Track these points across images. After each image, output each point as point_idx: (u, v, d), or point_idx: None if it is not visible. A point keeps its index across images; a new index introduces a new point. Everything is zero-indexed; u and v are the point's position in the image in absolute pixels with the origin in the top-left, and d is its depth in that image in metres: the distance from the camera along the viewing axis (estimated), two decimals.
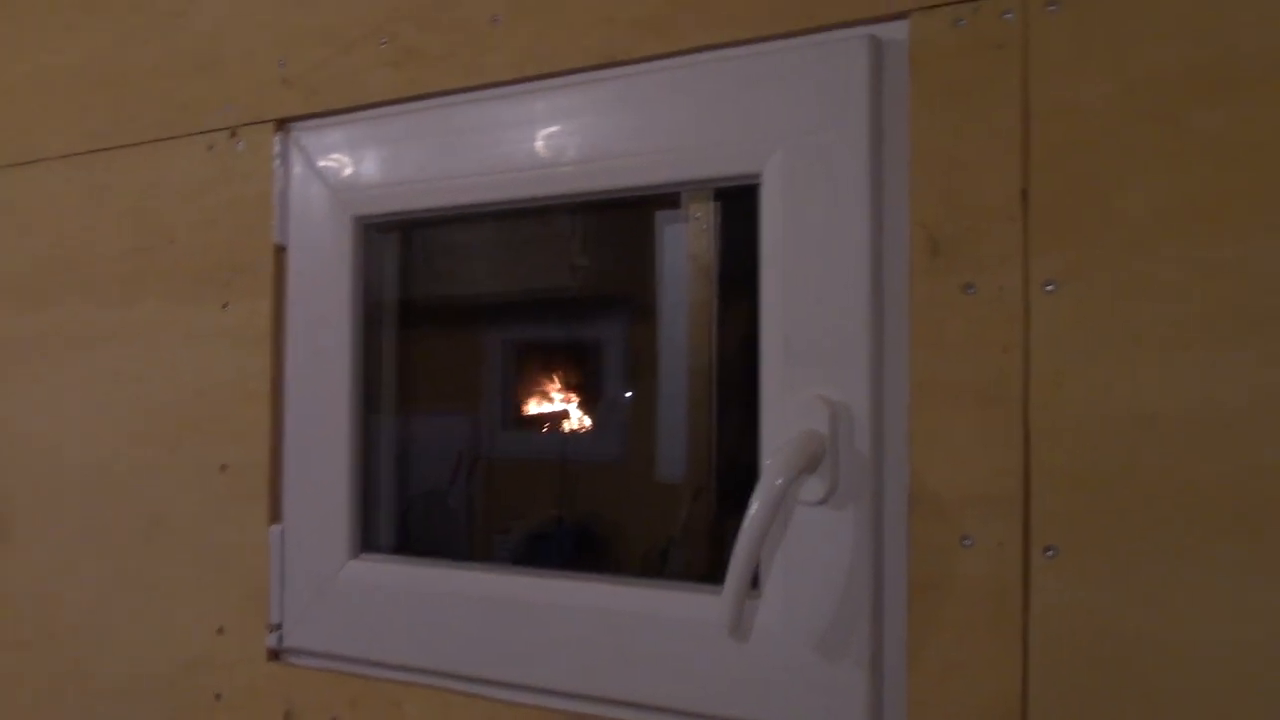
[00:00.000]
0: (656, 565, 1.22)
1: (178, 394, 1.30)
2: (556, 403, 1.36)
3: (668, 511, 1.18)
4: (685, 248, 1.11)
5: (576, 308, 1.32)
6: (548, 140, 1.06)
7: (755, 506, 0.85)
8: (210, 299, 1.28)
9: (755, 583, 0.93)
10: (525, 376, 1.37)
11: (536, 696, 1.06)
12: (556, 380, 1.36)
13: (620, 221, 1.24)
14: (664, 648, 0.98)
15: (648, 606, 0.99)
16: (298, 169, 1.22)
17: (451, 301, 1.39)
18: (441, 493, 1.38)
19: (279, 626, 1.21)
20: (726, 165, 0.96)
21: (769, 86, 0.94)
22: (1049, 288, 0.82)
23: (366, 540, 1.19)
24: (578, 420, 1.35)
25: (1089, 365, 0.81)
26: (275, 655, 1.23)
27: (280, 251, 1.23)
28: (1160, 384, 0.78)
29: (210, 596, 1.26)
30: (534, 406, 1.37)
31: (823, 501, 0.90)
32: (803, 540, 0.91)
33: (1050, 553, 0.82)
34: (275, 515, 1.23)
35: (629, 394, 1.26)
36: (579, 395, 1.34)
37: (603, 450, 1.31)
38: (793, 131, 0.92)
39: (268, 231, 1.23)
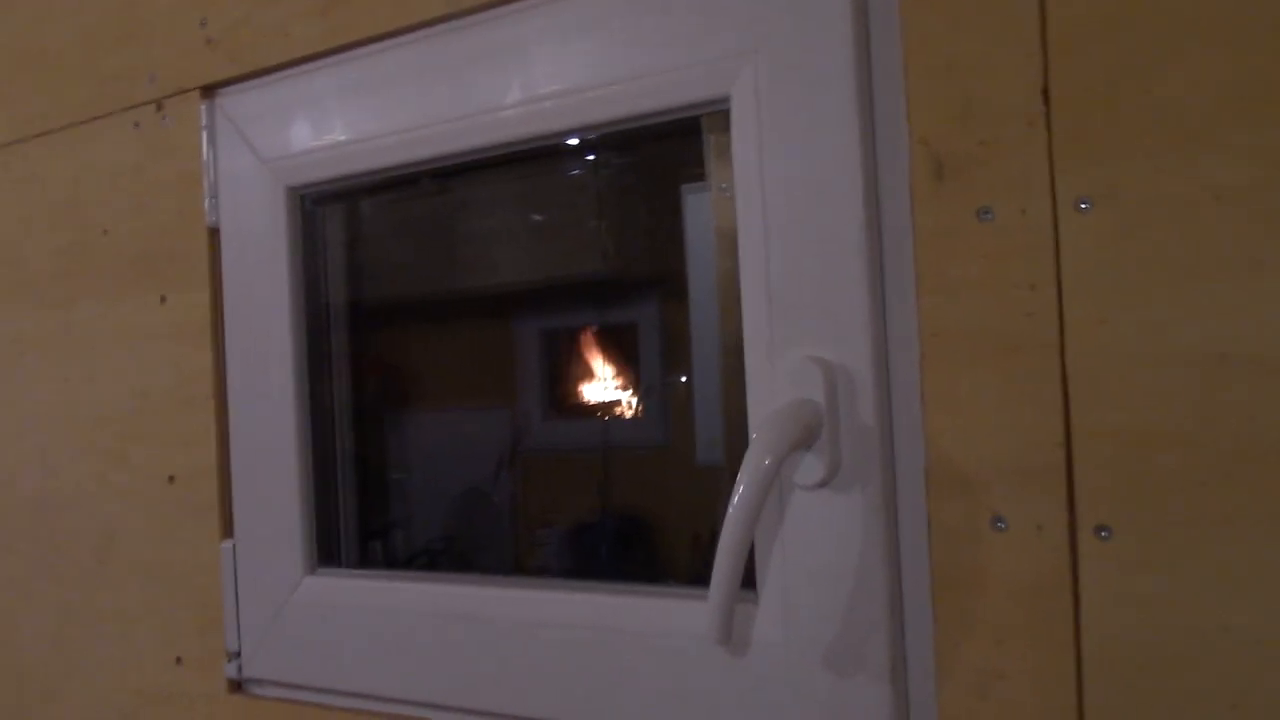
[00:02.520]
0: (705, 552, 1.09)
1: (121, 400, 1.17)
2: (595, 391, 1.23)
3: (712, 497, 1.04)
4: (711, 220, 0.97)
5: (608, 292, 1.20)
6: (489, 81, 0.91)
7: (740, 492, 0.69)
8: (147, 293, 1.15)
9: (751, 584, 0.78)
10: (559, 366, 1.25)
11: None
12: (592, 368, 1.23)
13: (646, 198, 1.13)
14: (655, 665, 0.83)
15: (635, 618, 0.85)
16: (226, 140, 1.08)
17: (474, 293, 1.29)
18: (484, 490, 1.26)
19: (238, 654, 1.08)
20: (688, 91, 0.81)
21: None
22: (1083, 206, 0.66)
23: (326, 552, 1.05)
24: (618, 407, 1.22)
25: (1138, 298, 0.65)
26: (237, 686, 1.09)
27: (214, 234, 1.10)
28: (1233, 315, 0.62)
29: (166, 622, 1.13)
30: (571, 396, 1.25)
31: (823, 484, 0.74)
32: (802, 531, 0.76)
33: (1103, 534, 0.66)
34: (228, 530, 1.09)
35: (681, 377, 1.14)
36: (617, 381, 1.22)
37: (645, 437, 1.19)
38: (762, 43, 0.77)
39: (200, 213, 1.10)
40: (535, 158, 1.06)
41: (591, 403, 1.23)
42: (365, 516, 1.15)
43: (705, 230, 0.98)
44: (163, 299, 1.13)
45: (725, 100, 0.79)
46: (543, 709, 0.89)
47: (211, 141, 1.09)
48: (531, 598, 0.91)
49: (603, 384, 1.23)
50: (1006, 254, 0.68)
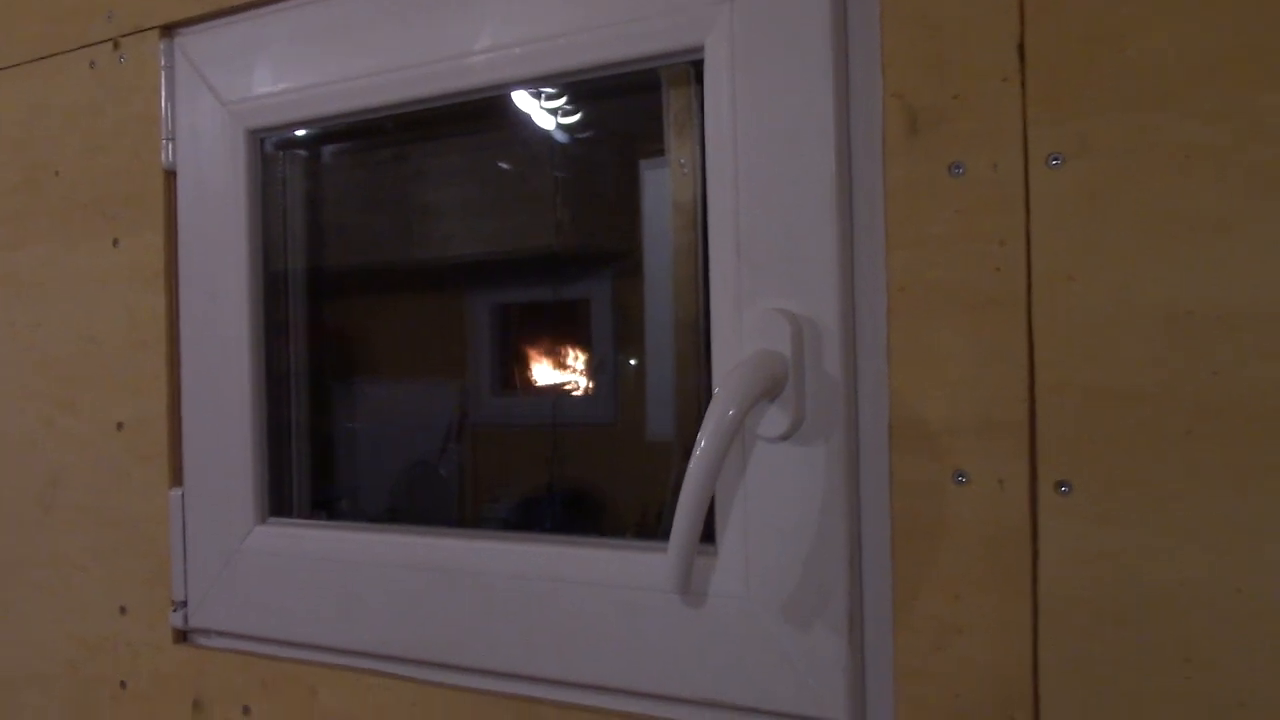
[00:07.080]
0: (653, 527, 1.09)
1: (72, 344, 1.15)
2: (544, 366, 1.22)
3: (662, 472, 1.04)
4: (669, 195, 0.96)
5: (560, 266, 1.19)
6: (458, 27, 0.90)
7: (703, 443, 0.69)
8: (100, 236, 1.12)
9: (710, 538, 0.78)
10: (510, 341, 1.24)
11: (466, 678, 0.91)
12: (543, 343, 1.22)
13: (604, 174, 1.13)
14: (610, 618, 0.83)
15: (590, 570, 0.84)
16: (185, 81, 1.06)
17: (426, 264, 1.28)
18: (432, 462, 1.25)
19: (184, 604, 1.06)
20: (662, 40, 0.80)
21: None
22: (1054, 162, 0.67)
23: (278, 503, 1.04)
24: (567, 383, 1.21)
25: (1106, 256, 0.65)
26: (182, 636, 1.08)
27: (170, 177, 1.07)
28: (1197, 275, 0.63)
29: (111, 570, 1.12)
30: (521, 372, 1.24)
31: (786, 436, 0.74)
32: (764, 483, 0.76)
33: (1063, 489, 0.66)
34: (177, 478, 1.07)
35: (632, 355, 1.13)
36: (567, 357, 1.21)
37: (594, 413, 1.18)
38: None
39: (156, 155, 1.08)
40: (495, 121, 1.05)
41: (541, 379, 1.22)
42: (314, 479, 1.13)
43: (662, 206, 0.98)
44: (115, 242, 1.11)
45: (698, 50, 0.79)
46: (497, 660, 0.89)
47: (170, 82, 1.07)
48: (487, 548, 0.90)
49: (553, 360, 1.22)
50: (977, 209, 0.69)
